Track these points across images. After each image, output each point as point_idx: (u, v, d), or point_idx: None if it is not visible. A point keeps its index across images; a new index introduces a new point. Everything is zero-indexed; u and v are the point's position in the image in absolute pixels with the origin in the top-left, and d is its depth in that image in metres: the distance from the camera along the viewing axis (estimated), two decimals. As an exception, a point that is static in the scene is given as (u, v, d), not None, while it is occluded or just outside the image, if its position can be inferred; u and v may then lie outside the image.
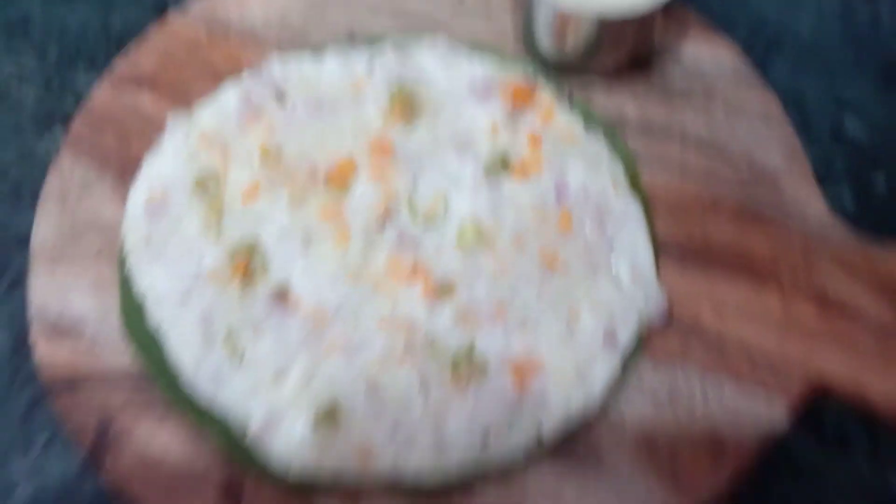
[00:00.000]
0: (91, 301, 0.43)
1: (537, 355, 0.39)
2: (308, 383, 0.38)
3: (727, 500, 0.38)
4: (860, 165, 0.53)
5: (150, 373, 0.39)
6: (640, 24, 0.49)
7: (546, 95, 0.49)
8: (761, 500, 0.40)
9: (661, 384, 0.40)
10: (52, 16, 0.62)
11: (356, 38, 0.54)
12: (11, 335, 0.45)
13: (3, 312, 0.46)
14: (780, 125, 0.51)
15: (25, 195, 0.51)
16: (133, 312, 0.41)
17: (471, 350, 0.39)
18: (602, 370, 0.39)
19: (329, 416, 0.37)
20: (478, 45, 0.53)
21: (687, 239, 0.46)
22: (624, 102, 0.52)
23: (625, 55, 0.51)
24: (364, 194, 0.44)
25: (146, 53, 0.54)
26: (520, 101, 0.48)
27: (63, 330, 0.41)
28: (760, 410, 0.40)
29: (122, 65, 0.54)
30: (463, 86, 0.49)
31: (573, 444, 0.38)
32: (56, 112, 0.56)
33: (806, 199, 0.47)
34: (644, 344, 0.42)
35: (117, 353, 0.41)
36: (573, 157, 0.46)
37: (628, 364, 0.41)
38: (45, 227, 0.46)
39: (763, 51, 0.60)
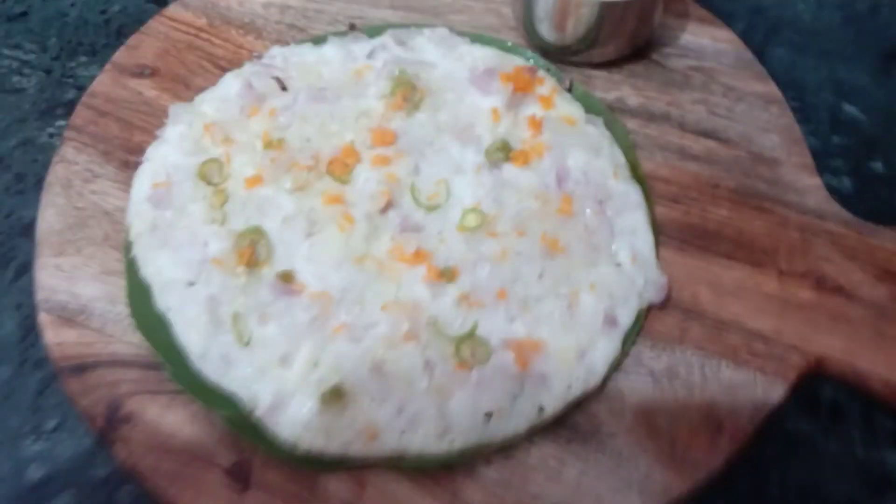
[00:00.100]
0: (98, 287, 0.43)
1: (539, 337, 0.40)
2: (314, 366, 0.38)
3: (724, 475, 0.39)
4: (858, 149, 0.54)
5: (159, 357, 0.40)
6: (640, 11, 0.50)
7: (547, 82, 0.50)
8: (757, 475, 0.41)
9: (660, 364, 0.41)
10: (52, 6, 0.63)
11: (356, 29, 0.54)
12: (19, 322, 0.46)
13: (10, 299, 0.47)
14: (778, 111, 0.51)
15: (29, 183, 0.52)
16: (140, 298, 0.42)
17: (473, 332, 0.40)
18: (602, 351, 0.40)
19: (335, 397, 0.37)
20: (478, 34, 0.54)
21: (686, 222, 0.46)
22: (624, 89, 0.53)
23: (625, 42, 0.52)
24: (367, 181, 0.45)
25: (147, 43, 0.55)
26: (520, 87, 0.48)
27: (71, 316, 0.42)
28: (757, 389, 0.40)
29: (124, 54, 0.54)
30: (464, 73, 0.50)
31: (574, 422, 0.39)
32: (58, 101, 0.56)
33: (804, 184, 0.48)
34: (644, 325, 0.42)
35: (125, 338, 0.41)
36: (574, 143, 0.47)
37: (628, 344, 0.41)
38: (51, 215, 0.46)
39: (763, 37, 0.60)
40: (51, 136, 0.54)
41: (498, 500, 0.37)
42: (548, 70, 0.52)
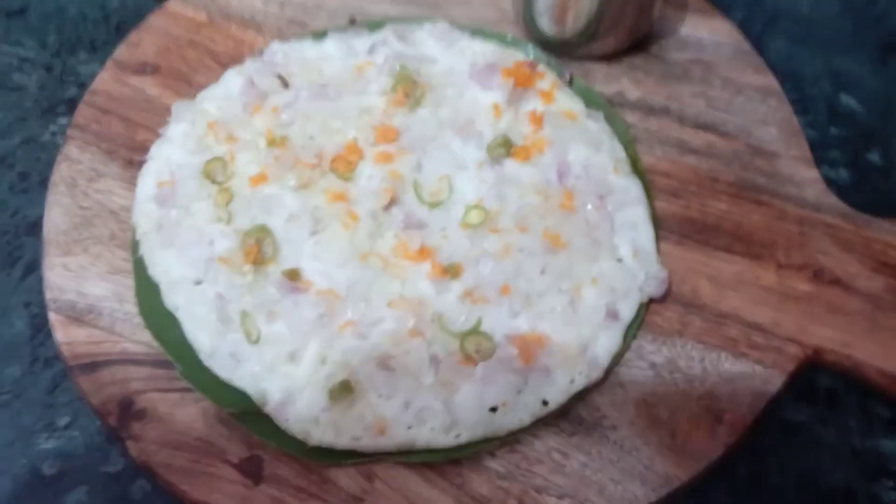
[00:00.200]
0: (106, 286, 0.44)
1: (542, 331, 0.41)
2: (322, 362, 0.39)
3: (724, 463, 0.40)
4: (856, 141, 0.54)
5: (169, 354, 0.40)
6: (640, 3, 0.50)
7: (547, 76, 0.50)
8: (756, 463, 0.42)
9: (660, 356, 0.42)
10: (51, 2, 0.62)
11: (357, 24, 0.54)
12: (28, 320, 0.46)
13: (18, 298, 0.47)
14: (777, 103, 0.52)
15: (34, 182, 0.52)
16: (149, 296, 0.42)
17: (478, 327, 0.40)
18: (604, 344, 0.41)
19: (343, 393, 0.38)
20: (478, 28, 0.54)
21: (686, 215, 0.47)
22: (623, 82, 0.53)
23: (625, 35, 0.52)
24: (370, 178, 0.45)
25: (147, 39, 0.55)
26: (521, 82, 0.49)
27: (80, 315, 0.42)
28: (756, 381, 0.41)
29: (124, 51, 0.54)
30: (464, 68, 0.50)
31: (577, 415, 0.40)
32: (59, 99, 0.56)
33: (802, 176, 0.48)
34: (644, 318, 0.43)
35: (135, 336, 0.42)
36: (574, 138, 0.47)
37: (629, 338, 0.42)
38: (57, 214, 0.46)
39: (761, 27, 0.60)
40: (53, 134, 0.55)
41: (503, 491, 0.38)
42: (548, 64, 0.52)
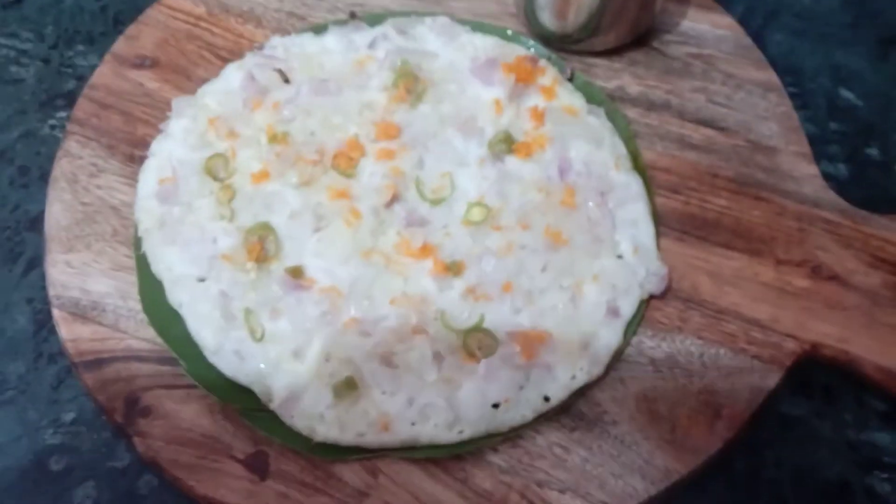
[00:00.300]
0: (109, 283, 0.44)
1: (543, 328, 0.41)
2: (327, 359, 0.39)
3: (722, 457, 0.40)
4: (855, 136, 0.55)
5: (173, 351, 0.41)
6: (642, 0, 0.50)
7: (548, 72, 0.50)
8: (754, 456, 0.43)
9: (660, 352, 0.42)
10: (47, -7, 0.62)
11: (357, 17, 0.54)
12: (32, 316, 0.46)
13: (21, 294, 0.47)
14: (777, 98, 0.52)
15: (34, 177, 0.52)
16: (152, 293, 0.42)
17: (480, 324, 0.41)
18: (605, 341, 0.41)
19: (348, 390, 0.38)
20: (479, 21, 0.54)
21: (686, 211, 0.47)
22: (624, 78, 0.53)
23: (626, 30, 0.52)
24: (372, 175, 0.45)
25: (146, 33, 0.54)
26: (522, 78, 0.49)
27: (83, 312, 0.43)
28: (754, 376, 0.42)
29: (123, 44, 0.54)
30: (466, 63, 0.50)
31: (578, 410, 0.40)
32: (57, 92, 0.56)
33: (801, 172, 0.49)
34: (644, 314, 0.43)
35: (139, 333, 0.42)
36: (575, 134, 0.47)
37: (629, 334, 0.42)
38: (58, 210, 0.46)
39: (762, 21, 0.60)
40: (52, 127, 0.54)
41: (505, 486, 0.38)
42: (549, 59, 0.52)
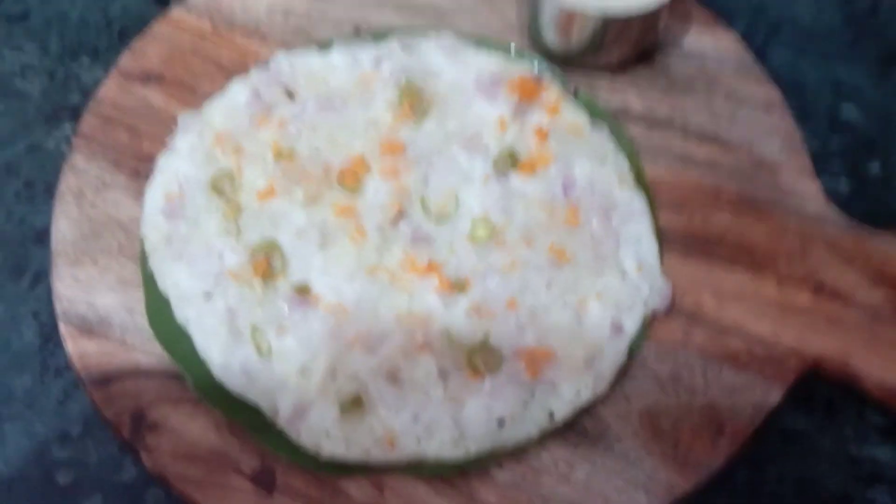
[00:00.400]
0: (116, 298, 0.44)
1: (548, 345, 0.41)
2: (333, 375, 0.40)
3: (725, 471, 0.41)
4: (856, 151, 0.55)
5: (180, 367, 0.41)
6: (646, 20, 0.50)
7: (552, 90, 0.50)
8: (755, 470, 0.43)
9: (664, 368, 0.43)
10: (52, 6, 0.62)
11: (362, 33, 0.54)
12: (38, 330, 0.46)
13: (27, 307, 0.47)
14: (780, 115, 0.52)
15: (39, 190, 0.52)
16: (159, 309, 0.43)
17: (485, 341, 0.41)
18: (610, 358, 0.42)
19: (354, 406, 0.39)
20: (484, 39, 0.54)
21: (689, 228, 0.48)
22: (628, 95, 0.53)
23: (630, 50, 0.52)
24: (377, 192, 0.45)
25: (152, 48, 0.55)
26: (526, 95, 0.49)
27: (90, 327, 0.43)
28: (757, 392, 0.42)
29: (129, 59, 0.54)
30: (470, 80, 0.50)
31: (583, 426, 0.41)
32: (62, 106, 0.56)
33: (803, 189, 0.49)
34: (649, 331, 0.44)
35: (146, 348, 0.42)
36: (579, 152, 0.47)
37: (634, 350, 0.43)
38: (64, 225, 0.47)
39: (763, 37, 0.61)
40: (57, 141, 0.55)
41: (511, 501, 0.39)
42: (552, 76, 0.52)
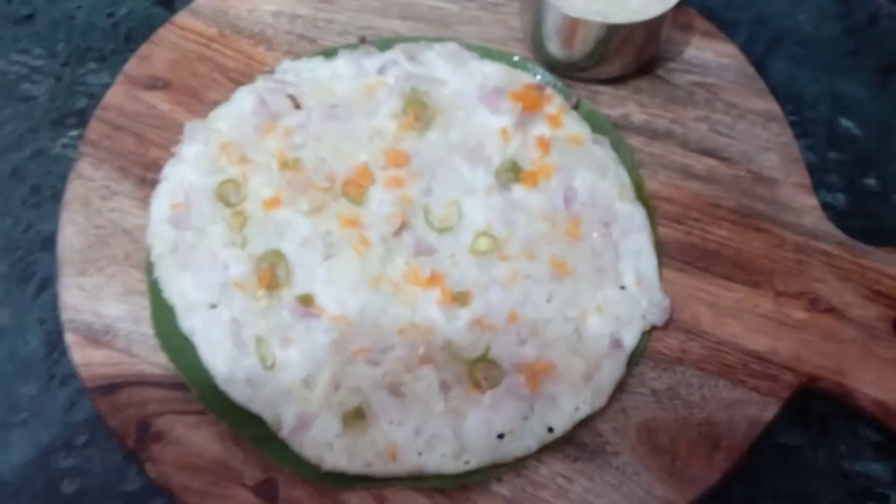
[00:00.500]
0: (121, 307, 0.44)
1: (548, 359, 0.42)
2: (336, 388, 0.40)
3: (720, 486, 0.41)
4: (853, 165, 0.55)
5: (185, 377, 0.42)
6: (648, 30, 0.51)
7: (554, 100, 0.51)
8: (750, 485, 0.44)
9: (661, 383, 0.43)
10: (58, 9, 0.62)
11: (367, 42, 0.54)
12: (43, 338, 0.47)
13: (33, 315, 0.48)
14: (778, 129, 0.53)
15: (45, 196, 0.53)
16: (165, 318, 0.43)
17: (486, 355, 0.42)
18: (608, 372, 0.42)
19: (356, 419, 0.39)
20: (487, 49, 0.54)
21: (688, 242, 0.48)
22: (629, 105, 0.54)
23: (632, 60, 0.53)
24: (381, 202, 0.46)
25: (158, 53, 0.55)
26: (529, 106, 0.49)
27: (96, 336, 0.43)
28: (753, 407, 0.43)
29: (135, 65, 0.54)
30: (473, 90, 0.51)
31: (581, 441, 0.41)
32: (69, 110, 0.57)
33: (801, 204, 0.50)
34: (647, 344, 0.44)
35: (151, 358, 0.43)
36: (581, 164, 0.48)
37: (632, 365, 0.43)
38: (71, 233, 0.47)
39: (764, 48, 0.61)
40: (64, 146, 0.55)
41: (509, 514, 0.39)
42: (555, 86, 0.53)
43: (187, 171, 0.47)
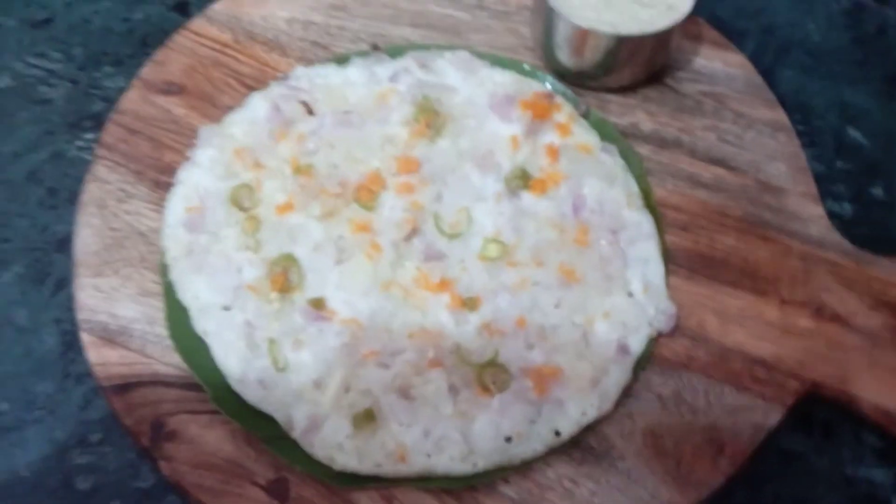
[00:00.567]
0: (136, 308, 0.45)
1: (556, 364, 0.43)
2: (347, 390, 0.41)
3: (724, 491, 0.42)
4: (860, 175, 0.56)
5: (199, 377, 0.42)
6: (658, 41, 0.51)
7: (564, 109, 0.51)
8: (754, 490, 0.44)
9: (667, 389, 0.44)
10: (75, 13, 0.63)
11: (379, 50, 0.55)
12: (59, 337, 0.48)
13: (49, 314, 0.49)
14: (786, 138, 0.53)
15: (62, 198, 0.53)
16: (179, 319, 0.44)
17: (495, 359, 0.42)
18: (615, 378, 0.43)
19: (366, 421, 0.40)
20: (498, 57, 0.55)
21: (695, 250, 0.49)
22: (638, 114, 0.54)
23: (641, 70, 0.53)
24: (393, 208, 0.47)
25: (173, 58, 0.56)
26: (539, 115, 0.50)
27: (112, 336, 0.44)
28: (757, 413, 0.43)
29: (151, 70, 0.55)
30: (484, 98, 0.51)
31: (587, 444, 0.42)
32: (85, 114, 0.58)
33: (807, 213, 0.50)
34: (653, 351, 0.45)
35: (165, 359, 0.44)
36: (589, 172, 0.49)
37: (638, 370, 0.44)
38: (87, 235, 0.48)
39: (773, 57, 0.62)
40: (80, 149, 0.56)
41: (516, 516, 0.40)
42: (564, 95, 0.53)
43: (202, 175, 0.48)
